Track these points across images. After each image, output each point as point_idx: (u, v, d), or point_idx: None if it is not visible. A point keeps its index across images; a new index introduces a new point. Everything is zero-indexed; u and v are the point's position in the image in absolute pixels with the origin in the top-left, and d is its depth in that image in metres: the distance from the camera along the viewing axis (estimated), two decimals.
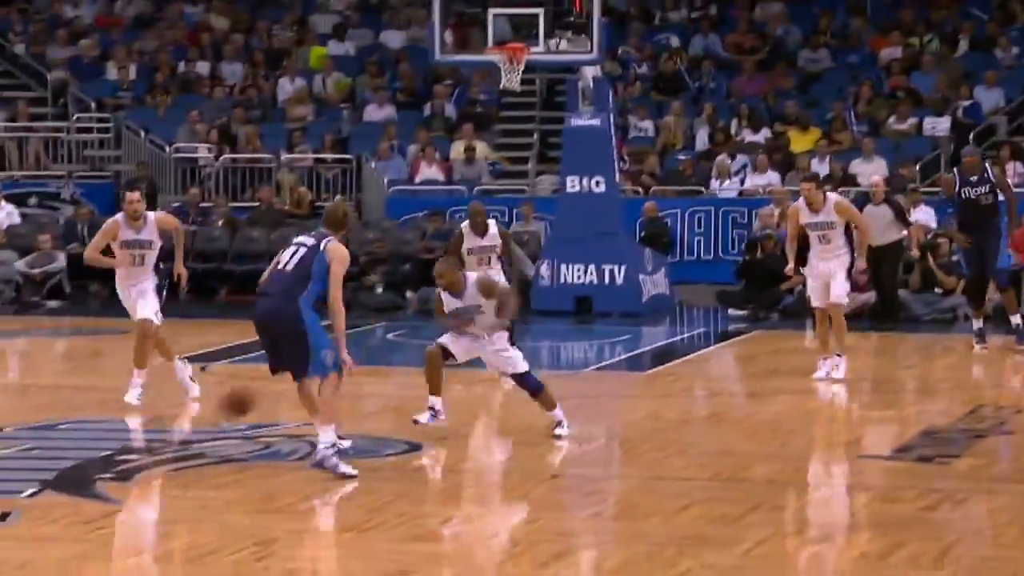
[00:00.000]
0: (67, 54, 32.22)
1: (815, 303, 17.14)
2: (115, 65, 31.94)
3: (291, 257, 12.07)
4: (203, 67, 31.95)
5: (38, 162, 29.24)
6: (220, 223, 26.38)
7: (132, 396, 15.31)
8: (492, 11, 23.17)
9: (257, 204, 26.74)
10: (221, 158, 28.59)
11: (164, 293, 15.78)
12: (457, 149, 28.51)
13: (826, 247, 16.78)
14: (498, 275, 16.55)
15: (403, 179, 28.21)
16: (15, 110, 30.09)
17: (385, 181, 27.94)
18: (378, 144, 28.66)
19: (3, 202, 26.03)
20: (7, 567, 9.75)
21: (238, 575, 9.66)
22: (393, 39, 32.54)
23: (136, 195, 15.62)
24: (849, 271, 17.02)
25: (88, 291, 25.15)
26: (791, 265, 17.18)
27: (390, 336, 21.61)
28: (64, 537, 10.59)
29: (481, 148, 28.49)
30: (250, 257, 24.98)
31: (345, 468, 11.96)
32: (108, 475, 12.31)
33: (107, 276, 24.54)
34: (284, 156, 28.48)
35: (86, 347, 21.19)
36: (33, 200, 26.87)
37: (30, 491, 11.77)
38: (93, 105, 30.61)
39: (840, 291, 16.89)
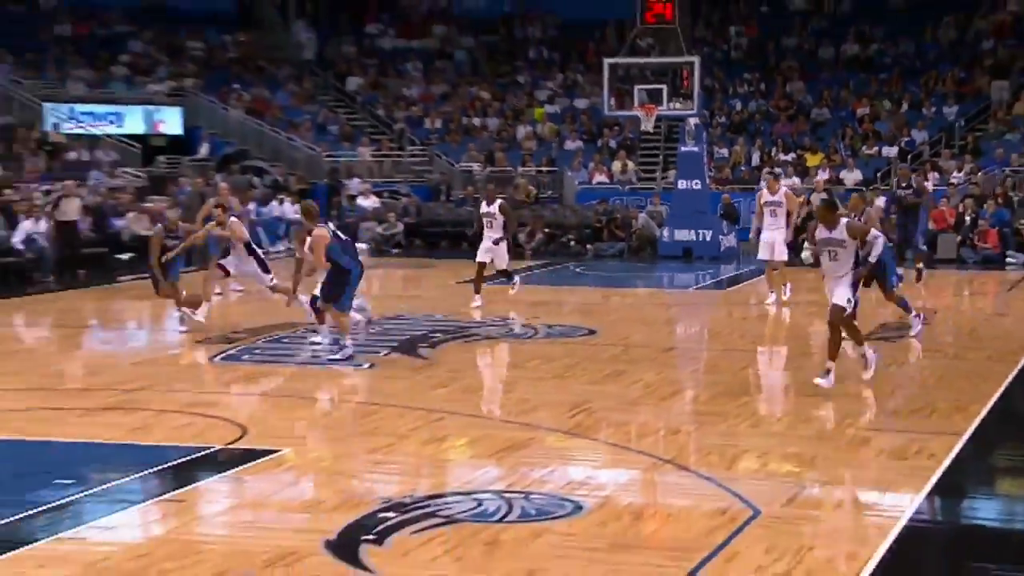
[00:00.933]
0: (404, 114, 32.41)
1: (760, 256, 15.69)
2: (430, 120, 32.06)
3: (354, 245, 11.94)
4: (477, 120, 31.97)
5: (390, 173, 29.50)
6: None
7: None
8: (637, 87, 23.09)
9: (506, 196, 26.62)
10: (486, 170, 28.63)
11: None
12: (616, 165, 28.23)
13: (773, 220, 15.43)
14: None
15: (586, 181, 28.01)
16: (379, 146, 30.45)
17: (576, 183, 27.78)
18: (572, 162, 28.50)
19: (372, 196, 26.39)
20: (368, 392, 9.97)
21: (474, 402, 9.72)
22: (581, 103, 32.20)
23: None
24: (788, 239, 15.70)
25: (413, 244, 25.36)
26: (752, 235, 15.85)
27: (577, 270, 21.54)
28: (400, 377, 10.77)
29: (630, 164, 28.18)
30: None
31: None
32: (424, 345, 12.46)
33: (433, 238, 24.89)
34: (520, 169, 28.42)
35: (414, 273, 21.40)
36: (386, 194, 27.12)
37: (384, 352, 11.98)
38: (418, 142, 30.86)
39: (782, 255, 15.52)
